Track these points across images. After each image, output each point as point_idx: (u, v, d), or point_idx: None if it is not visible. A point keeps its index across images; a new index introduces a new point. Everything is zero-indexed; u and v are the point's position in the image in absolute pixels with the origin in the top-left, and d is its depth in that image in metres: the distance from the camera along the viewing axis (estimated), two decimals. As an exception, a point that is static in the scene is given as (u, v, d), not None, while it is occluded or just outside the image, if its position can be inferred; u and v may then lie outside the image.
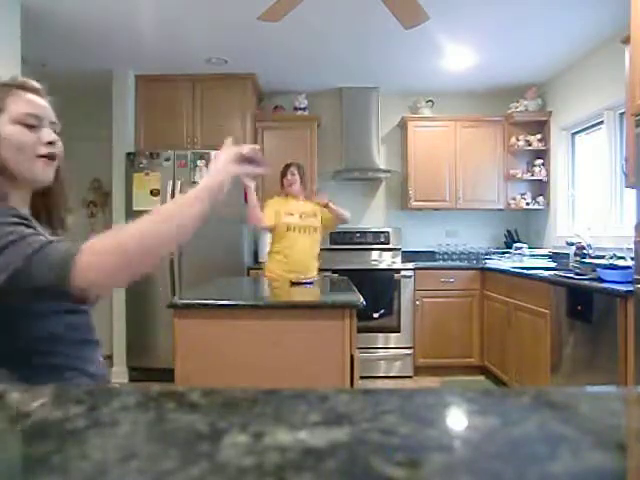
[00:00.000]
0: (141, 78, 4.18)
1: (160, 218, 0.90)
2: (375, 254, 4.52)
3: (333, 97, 4.65)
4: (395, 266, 4.16)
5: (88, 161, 4.38)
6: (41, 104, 1.03)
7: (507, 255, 4.18)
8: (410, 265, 4.10)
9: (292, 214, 3.21)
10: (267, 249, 3.44)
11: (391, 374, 3.99)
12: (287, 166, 3.32)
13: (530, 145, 4.40)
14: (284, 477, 0.37)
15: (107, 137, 4.12)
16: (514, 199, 4.49)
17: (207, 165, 3.85)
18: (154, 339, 3.83)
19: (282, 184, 3.32)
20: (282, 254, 3.18)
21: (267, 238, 4.30)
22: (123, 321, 3.95)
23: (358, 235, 4.53)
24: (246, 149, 1.02)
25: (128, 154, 3.95)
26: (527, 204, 4.45)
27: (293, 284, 2.57)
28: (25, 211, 1.01)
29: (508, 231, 4.60)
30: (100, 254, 0.82)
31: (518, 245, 4.19)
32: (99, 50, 3.67)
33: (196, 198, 0.94)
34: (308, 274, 3.04)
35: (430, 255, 4.64)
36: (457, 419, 0.55)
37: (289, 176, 3.27)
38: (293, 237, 3.18)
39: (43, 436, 0.46)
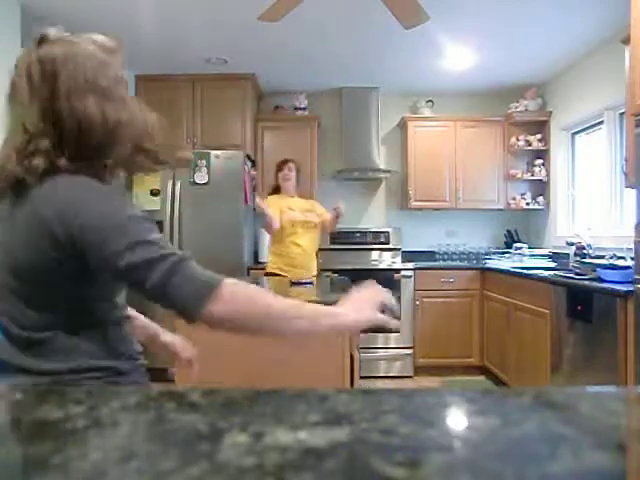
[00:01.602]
0: (141, 78, 4.18)
1: (299, 314, 0.89)
2: (375, 254, 4.52)
3: (333, 97, 4.65)
4: (395, 266, 4.16)
5: (88, 161, 4.38)
6: None
7: (507, 255, 4.18)
8: (410, 265, 4.10)
9: (293, 209, 3.20)
10: (267, 246, 3.42)
11: (391, 374, 3.99)
12: (284, 162, 3.29)
13: (530, 145, 4.40)
14: (284, 477, 0.37)
15: (107, 137, 4.11)
16: (514, 199, 4.49)
17: (207, 166, 3.84)
18: (154, 339, 3.82)
19: (276, 179, 3.30)
20: (286, 250, 3.15)
21: (266, 236, 4.32)
22: (123, 321, 3.94)
23: (358, 235, 4.53)
24: (387, 298, 0.99)
25: (128, 154, 3.94)
26: (527, 204, 4.45)
27: (293, 284, 2.57)
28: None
29: (508, 231, 4.60)
30: (237, 303, 0.83)
31: (518, 245, 4.18)
32: (99, 50, 3.66)
33: (333, 326, 0.92)
34: (310, 272, 3.06)
35: (430, 255, 4.64)
36: (457, 419, 0.55)
37: (285, 171, 3.25)
38: (298, 233, 3.15)
39: (43, 436, 0.46)
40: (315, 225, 3.22)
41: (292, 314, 0.88)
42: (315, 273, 3.22)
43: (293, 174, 3.25)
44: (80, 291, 0.90)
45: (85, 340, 0.91)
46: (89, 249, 0.82)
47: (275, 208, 3.12)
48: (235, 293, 0.84)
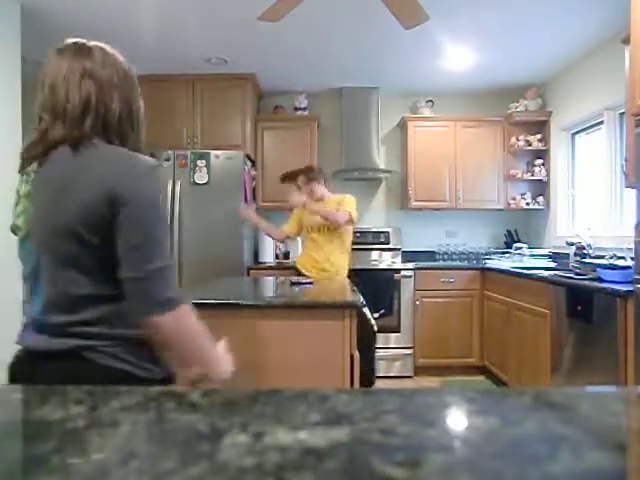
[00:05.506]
0: (141, 78, 4.12)
1: (213, 355, 1.07)
2: (375, 254, 4.52)
3: (333, 97, 4.65)
4: (395, 266, 4.16)
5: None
6: None
7: (507, 255, 4.18)
8: (410, 265, 4.10)
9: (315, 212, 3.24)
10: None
11: (391, 374, 3.99)
12: (290, 181, 3.35)
13: (530, 145, 4.40)
14: (284, 477, 0.37)
15: (107, 137, 4.11)
16: (514, 199, 4.49)
17: (207, 166, 3.85)
18: (154, 339, 3.82)
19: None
20: (309, 252, 3.30)
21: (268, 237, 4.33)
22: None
23: (358, 235, 4.52)
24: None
25: (128, 154, 3.94)
26: (527, 204, 4.45)
27: (293, 284, 2.57)
28: None
29: (508, 231, 4.60)
30: (184, 334, 0.97)
31: (518, 245, 4.19)
32: (99, 50, 3.67)
33: (214, 369, 1.04)
34: (332, 272, 3.17)
35: (430, 255, 4.64)
36: (457, 419, 0.55)
37: (304, 188, 3.29)
38: (314, 237, 3.25)
39: (43, 436, 0.46)
40: (334, 228, 3.21)
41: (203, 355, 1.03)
42: (341, 273, 3.22)
43: (309, 186, 3.26)
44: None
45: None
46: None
47: (295, 218, 3.37)
48: (183, 324, 0.97)
